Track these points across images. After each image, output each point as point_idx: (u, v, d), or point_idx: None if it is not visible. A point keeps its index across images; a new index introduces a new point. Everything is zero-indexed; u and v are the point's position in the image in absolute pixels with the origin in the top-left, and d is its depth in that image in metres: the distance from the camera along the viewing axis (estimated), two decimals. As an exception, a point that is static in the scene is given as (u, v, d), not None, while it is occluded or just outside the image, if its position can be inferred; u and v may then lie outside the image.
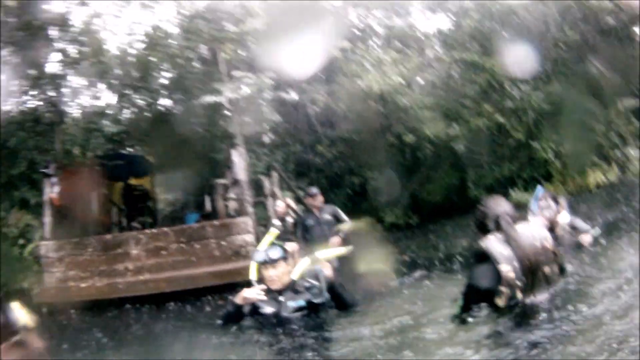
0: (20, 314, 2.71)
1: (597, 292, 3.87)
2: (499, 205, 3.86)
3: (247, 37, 13.86)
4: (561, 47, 14.18)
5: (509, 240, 3.58)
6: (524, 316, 3.53)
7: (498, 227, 3.69)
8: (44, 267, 10.18)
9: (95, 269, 10.07)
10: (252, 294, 4.72)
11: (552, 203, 6.13)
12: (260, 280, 4.84)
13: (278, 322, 4.64)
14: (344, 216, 9.71)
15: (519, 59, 14.44)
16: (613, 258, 5.26)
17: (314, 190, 9.92)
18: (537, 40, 14.31)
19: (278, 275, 4.72)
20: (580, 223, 6.49)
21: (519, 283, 3.48)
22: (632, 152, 13.15)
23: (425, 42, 16.32)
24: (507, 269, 3.46)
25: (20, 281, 11.02)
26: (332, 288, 4.78)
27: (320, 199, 9.71)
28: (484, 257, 3.61)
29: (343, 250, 5.70)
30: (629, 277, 4.21)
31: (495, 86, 14.32)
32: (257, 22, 13.58)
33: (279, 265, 4.73)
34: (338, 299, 4.80)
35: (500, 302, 3.51)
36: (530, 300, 3.56)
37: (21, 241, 11.83)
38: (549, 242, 3.67)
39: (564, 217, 6.25)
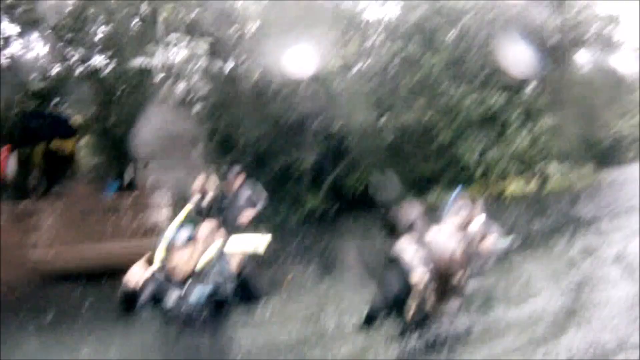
0: None
1: (501, 303, 3.87)
2: (413, 210, 3.78)
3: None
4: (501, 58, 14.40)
5: (422, 245, 3.49)
6: (429, 328, 3.44)
7: (411, 231, 3.60)
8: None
9: (5, 240, 9.54)
10: (138, 275, 4.37)
11: (467, 206, 6.12)
12: (165, 263, 4.52)
13: (179, 312, 4.33)
14: (260, 196, 9.53)
15: (459, 61, 14.58)
16: (523, 269, 5.34)
17: (236, 169, 9.70)
18: (480, 45, 14.47)
19: (184, 260, 4.39)
20: (493, 228, 6.50)
21: (429, 294, 3.39)
22: (553, 168, 13.49)
23: (369, 30, 16.19)
24: (418, 279, 3.36)
25: None
26: (239, 279, 4.54)
27: (241, 178, 9.50)
28: (395, 264, 3.50)
29: (259, 239, 5.40)
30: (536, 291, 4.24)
31: (431, 84, 14.35)
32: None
33: (186, 249, 4.40)
34: (243, 291, 4.55)
35: (409, 313, 3.41)
36: (439, 311, 3.48)
37: None
38: (461, 247, 3.60)
39: (479, 221, 6.25)
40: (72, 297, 8.15)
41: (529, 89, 15.07)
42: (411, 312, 3.43)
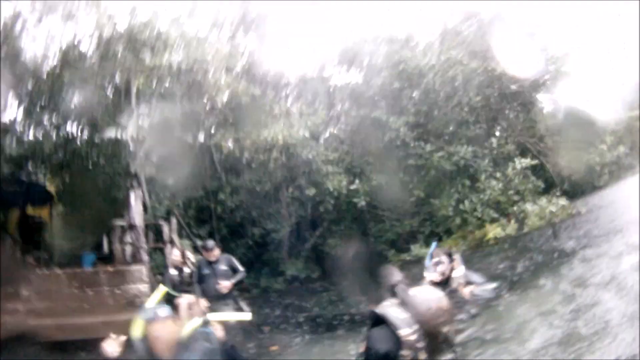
0: None
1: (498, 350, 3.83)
2: (393, 275, 3.81)
3: (162, 70, 13.57)
4: (465, 110, 14.68)
5: (406, 306, 3.49)
6: None
7: (393, 295, 3.61)
8: None
9: None
10: (110, 348, 4.31)
11: (445, 259, 6.18)
12: (146, 338, 4.47)
13: None
14: (239, 266, 9.51)
15: (424, 119, 14.86)
16: (516, 312, 5.30)
17: (210, 243, 9.72)
18: (443, 102, 14.79)
19: (165, 335, 4.36)
20: (474, 277, 6.53)
21: (420, 346, 3.38)
22: (529, 207, 13.59)
23: (336, 96, 16.49)
24: (407, 332, 3.36)
25: None
26: (224, 350, 4.48)
27: (216, 252, 9.51)
28: (380, 322, 3.50)
29: (240, 316, 5.32)
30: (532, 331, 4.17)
31: (399, 144, 14.57)
32: (174, 57, 13.35)
33: (166, 323, 4.37)
34: None
35: None
36: None
37: None
38: (444, 302, 3.62)
39: (459, 272, 6.29)
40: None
41: (495, 136, 15.37)
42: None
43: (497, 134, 15.63)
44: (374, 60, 15.70)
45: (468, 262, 7.45)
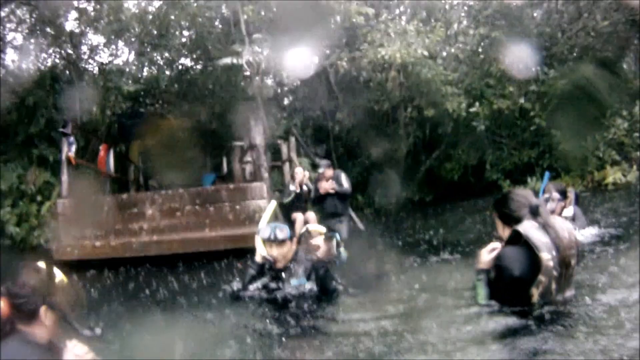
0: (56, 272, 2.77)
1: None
2: (531, 197, 3.80)
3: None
4: (591, 35, 13.91)
5: (547, 229, 3.50)
6: (554, 311, 3.49)
7: (535, 216, 3.59)
8: (60, 224, 10.34)
9: (111, 228, 10.23)
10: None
11: (556, 196, 6.07)
12: (268, 253, 4.91)
13: (280, 299, 4.75)
14: (344, 182, 9.93)
15: (547, 42, 14.22)
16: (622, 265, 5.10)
17: (323, 165, 10.15)
18: (567, 24, 14.09)
19: (282, 254, 4.82)
20: (580, 220, 6.41)
21: (555, 274, 3.42)
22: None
23: (452, 14, 16.05)
24: (548, 257, 3.39)
25: (37, 238, 11.31)
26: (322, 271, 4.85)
27: (329, 172, 9.94)
28: (518, 243, 3.52)
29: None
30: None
31: (521, 67, 14.07)
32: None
33: (284, 244, 4.82)
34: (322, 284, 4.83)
35: (535, 292, 3.45)
36: (561, 295, 3.54)
37: (39, 198, 12.15)
38: (575, 235, 3.63)
39: (569, 212, 6.20)
40: (177, 278, 8.53)
41: (623, 67, 14.53)
42: (537, 294, 3.45)
43: (625, 66, 14.76)
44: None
45: (584, 205, 7.22)
